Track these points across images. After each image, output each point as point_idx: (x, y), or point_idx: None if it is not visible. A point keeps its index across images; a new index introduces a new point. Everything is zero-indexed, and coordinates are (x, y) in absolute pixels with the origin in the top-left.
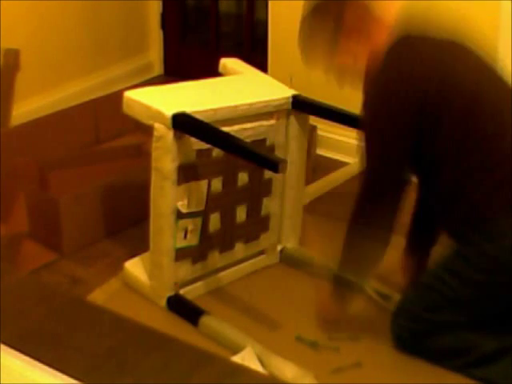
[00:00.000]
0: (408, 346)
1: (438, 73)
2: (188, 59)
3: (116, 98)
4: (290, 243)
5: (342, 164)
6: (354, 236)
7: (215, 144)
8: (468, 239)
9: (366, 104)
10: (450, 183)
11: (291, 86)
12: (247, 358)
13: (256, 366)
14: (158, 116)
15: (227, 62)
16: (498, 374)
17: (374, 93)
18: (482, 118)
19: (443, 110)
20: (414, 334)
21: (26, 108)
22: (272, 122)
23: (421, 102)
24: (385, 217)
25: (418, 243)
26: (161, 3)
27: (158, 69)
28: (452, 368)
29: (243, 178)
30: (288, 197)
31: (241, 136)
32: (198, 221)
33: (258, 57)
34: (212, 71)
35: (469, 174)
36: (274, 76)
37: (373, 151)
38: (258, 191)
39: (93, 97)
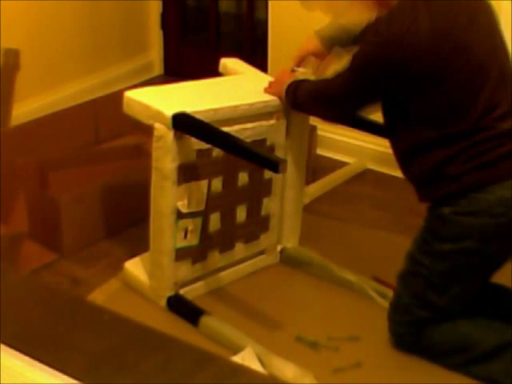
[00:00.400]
0: (407, 343)
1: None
2: (188, 59)
3: (116, 97)
4: (290, 243)
5: (342, 164)
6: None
7: (215, 144)
8: (431, 209)
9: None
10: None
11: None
12: (247, 358)
13: (256, 366)
14: (158, 116)
15: (227, 62)
16: (498, 372)
17: (369, 38)
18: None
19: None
20: (411, 328)
21: (26, 108)
22: (272, 122)
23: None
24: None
25: None
26: (161, 3)
27: (158, 69)
28: (452, 366)
29: (243, 178)
30: (288, 197)
31: (241, 136)
32: (198, 221)
33: (258, 57)
34: (212, 71)
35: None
36: (274, 76)
37: (349, 75)
38: (258, 191)
39: (93, 97)
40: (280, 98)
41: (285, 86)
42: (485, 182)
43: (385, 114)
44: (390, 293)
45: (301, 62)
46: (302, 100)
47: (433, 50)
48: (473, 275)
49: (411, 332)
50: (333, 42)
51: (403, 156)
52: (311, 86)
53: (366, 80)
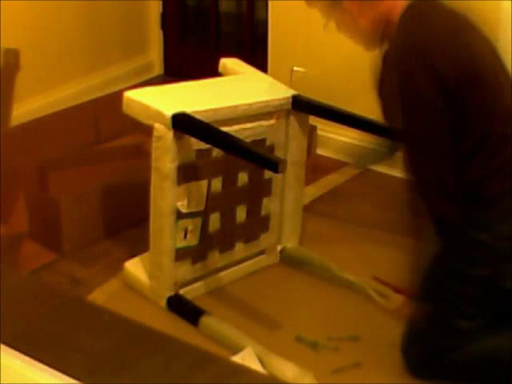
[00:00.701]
0: (427, 373)
1: (452, 47)
2: (188, 59)
3: (116, 97)
4: (290, 243)
5: (341, 164)
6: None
7: (215, 144)
8: (459, 229)
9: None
10: None
11: (291, 78)
12: (247, 358)
13: (256, 366)
14: (158, 116)
15: (227, 62)
16: None
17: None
18: (490, 94)
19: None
20: (432, 357)
21: (26, 108)
22: (272, 122)
23: (442, 80)
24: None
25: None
26: (161, 3)
27: (158, 69)
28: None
29: (243, 178)
30: (288, 197)
31: (240, 136)
32: (198, 221)
33: (258, 57)
34: (212, 71)
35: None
36: (274, 76)
37: (418, 154)
38: (258, 191)
39: (93, 97)
40: None
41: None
42: None
43: None
44: (390, 293)
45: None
46: None
47: (461, 68)
48: (506, 298)
49: (432, 360)
50: None
51: None
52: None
53: (430, 111)
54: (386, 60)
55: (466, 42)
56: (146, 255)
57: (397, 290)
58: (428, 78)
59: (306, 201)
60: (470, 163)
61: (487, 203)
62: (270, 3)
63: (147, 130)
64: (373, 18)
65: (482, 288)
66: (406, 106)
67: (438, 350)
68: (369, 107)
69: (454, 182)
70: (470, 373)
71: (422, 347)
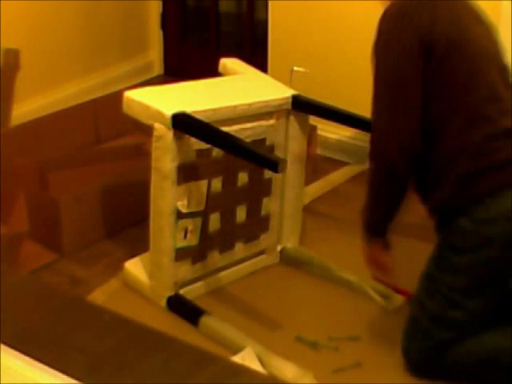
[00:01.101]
0: (429, 370)
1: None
2: (188, 59)
3: (116, 97)
4: (290, 243)
5: (342, 164)
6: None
7: (215, 144)
8: (447, 221)
9: (379, 35)
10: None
11: (291, 78)
12: (247, 359)
13: (256, 366)
14: (158, 116)
15: (227, 62)
16: None
17: (386, 26)
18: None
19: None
20: (432, 353)
21: (26, 108)
22: (272, 121)
23: (422, 34)
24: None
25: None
26: (161, 3)
27: (157, 69)
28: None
29: (243, 177)
30: (288, 197)
31: (240, 136)
32: (198, 221)
33: (258, 57)
34: (212, 71)
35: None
36: (274, 76)
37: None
38: (258, 191)
39: (93, 97)
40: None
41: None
42: (499, 187)
43: None
44: (390, 293)
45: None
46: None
47: (443, 29)
48: (494, 285)
49: (432, 357)
50: None
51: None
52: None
53: (402, 62)
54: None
55: (455, 16)
56: (146, 255)
57: (397, 290)
58: (410, 29)
59: (306, 201)
60: (440, 136)
61: (463, 186)
62: (269, 3)
63: (147, 130)
64: None
65: (468, 275)
66: (383, 50)
67: (436, 343)
68: (369, 107)
69: (410, 135)
70: (470, 373)
71: (421, 342)
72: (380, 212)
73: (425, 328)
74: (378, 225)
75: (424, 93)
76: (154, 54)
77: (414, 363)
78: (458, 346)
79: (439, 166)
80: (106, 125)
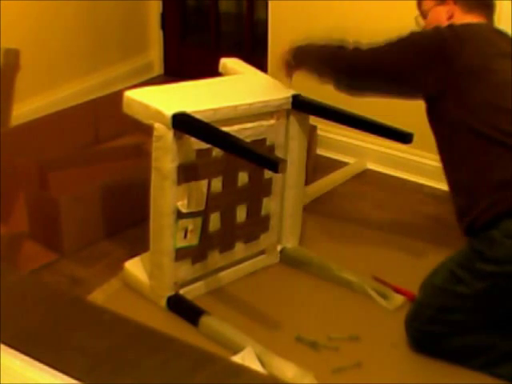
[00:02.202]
0: (426, 347)
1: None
2: (188, 59)
3: (116, 97)
4: (290, 243)
5: (342, 164)
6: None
7: (215, 144)
8: (481, 233)
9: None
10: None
11: (291, 82)
12: (247, 359)
13: (256, 366)
14: (158, 116)
15: (227, 62)
16: None
17: (431, 30)
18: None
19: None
20: (431, 336)
21: (26, 108)
22: (272, 121)
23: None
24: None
25: None
26: (161, 3)
27: (157, 69)
28: (472, 367)
29: (243, 177)
30: (288, 197)
31: (240, 136)
32: (198, 221)
33: (257, 57)
34: (212, 71)
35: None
36: (274, 76)
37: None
38: (258, 191)
39: (93, 97)
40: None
41: (290, 53)
42: None
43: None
44: (390, 293)
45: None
46: (315, 57)
47: (477, 51)
48: (508, 299)
49: (430, 338)
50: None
51: (450, 167)
52: (330, 49)
53: (415, 57)
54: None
55: (484, 47)
56: (145, 255)
57: (397, 290)
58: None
59: (306, 201)
60: (479, 152)
61: (492, 200)
62: (269, 3)
63: (147, 130)
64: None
65: (486, 283)
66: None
67: (434, 333)
68: (369, 107)
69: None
70: (463, 354)
71: (423, 325)
72: (316, 63)
73: (430, 315)
74: (305, 60)
75: (453, 122)
76: (154, 54)
77: (414, 339)
78: (456, 337)
79: (471, 185)
80: (106, 125)
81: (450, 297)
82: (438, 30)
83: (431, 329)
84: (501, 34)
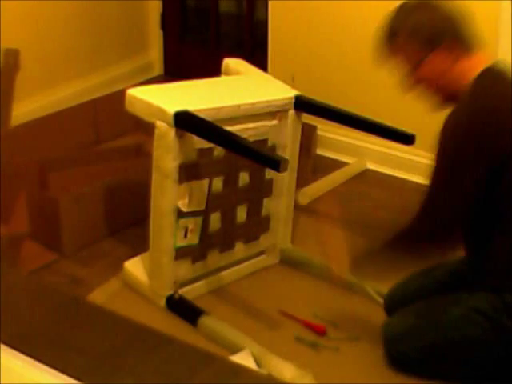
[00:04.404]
0: (408, 370)
1: None
2: (188, 59)
3: (116, 97)
4: (283, 244)
5: (342, 164)
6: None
7: (217, 142)
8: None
9: (446, 130)
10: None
11: (293, 85)
12: (244, 360)
13: (253, 368)
14: (160, 114)
15: (230, 63)
16: None
17: (458, 122)
18: None
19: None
20: (414, 362)
21: (26, 108)
22: (274, 122)
23: (498, 146)
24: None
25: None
26: (161, 3)
27: (158, 69)
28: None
29: (244, 178)
30: (283, 198)
31: (242, 136)
32: (199, 220)
33: (258, 57)
34: (212, 71)
35: None
36: (274, 76)
37: (439, 177)
38: (259, 191)
39: (93, 97)
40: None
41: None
42: None
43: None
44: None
45: None
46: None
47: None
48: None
49: (411, 364)
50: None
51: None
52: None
53: (462, 165)
54: (454, 114)
55: None
56: (145, 255)
57: (306, 325)
58: (477, 144)
59: (306, 201)
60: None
61: None
62: (269, 3)
63: (147, 130)
64: (441, 84)
65: (504, 337)
66: (456, 144)
67: (420, 361)
68: (368, 107)
69: (451, 223)
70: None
71: (409, 350)
72: (375, 265)
73: (425, 346)
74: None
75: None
76: (154, 54)
77: (393, 359)
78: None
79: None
80: (106, 125)
81: (454, 336)
82: (472, 117)
83: (415, 357)
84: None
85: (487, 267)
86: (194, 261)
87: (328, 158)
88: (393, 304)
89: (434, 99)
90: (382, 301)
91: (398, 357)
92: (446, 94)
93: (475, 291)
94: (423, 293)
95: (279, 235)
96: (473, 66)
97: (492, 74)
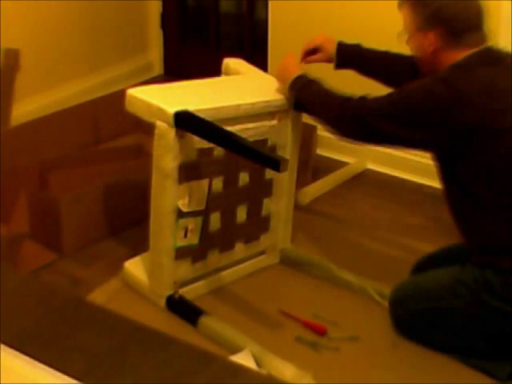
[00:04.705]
0: (407, 333)
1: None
2: (188, 59)
3: (116, 98)
4: (284, 243)
5: (342, 164)
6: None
7: (217, 142)
8: (498, 268)
9: (421, 82)
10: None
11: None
12: (244, 360)
13: (253, 368)
14: (160, 114)
15: (230, 63)
16: (495, 366)
17: (431, 82)
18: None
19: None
20: (412, 325)
21: (26, 108)
22: (274, 122)
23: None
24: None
25: None
26: (161, 3)
27: (157, 69)
28: (451, 356)
29: (244, 178)
30: (283, 198)
31: (242, 136)
32: (199, 220)
33: (258, 57)
34: (212, 71)
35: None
36: (274, 76)
37: (398, 111)
38: (259, 192)
39: (93, 97)
40: (282, 83)
41: (291, 78)
42: None
43: (443, 179)
44: (389, 293)
45: (307, 55)
46: (310, 100)
47: (484, 108)
48: (496, 334)
49: (411, 327)
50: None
51: (467, 220)
52: (330, 92)
53: (417, 114)
54: (428, 76)
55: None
56: (145, 255)
57: (306, 325)
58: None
59: (306, 201)
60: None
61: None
62: (269, 3)
63: (147, 130)
64: (424, 60)
65: (483, 312)
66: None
67: (416, 325)
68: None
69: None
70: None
71: (405, 313)
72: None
73: (414, 310)
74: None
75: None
76: (154, 54)
77: (397, 323)
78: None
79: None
80: (106, 125)
81: (442, 304)
82: (432, 91)
83: (412, 321)
84: (501, 61)
85: (469, 243)
86: (194, 261)
87: (328, 158)
88: (418, 269)
89: (418, 63)
90: (382, 300)
91: (397, 319)
92: (426, 67)
93: (466, 265)
94: (441, 263)
95: (279, 235)
96: (456, 59)
97: (476, 60)
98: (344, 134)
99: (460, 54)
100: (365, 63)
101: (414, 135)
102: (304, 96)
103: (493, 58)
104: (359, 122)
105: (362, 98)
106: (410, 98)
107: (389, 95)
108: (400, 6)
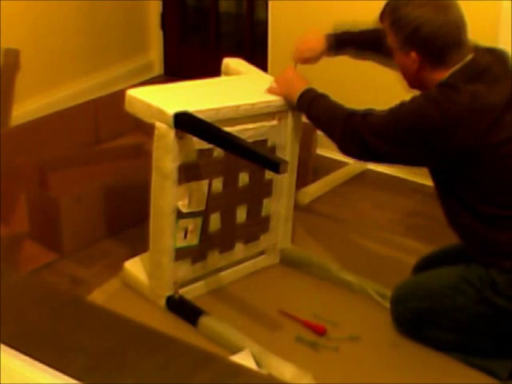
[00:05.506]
0: (408, 331)
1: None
2: (188, 59)
3: (116, 98)
4: (284, 244)
5: (342, 164)
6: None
7: (217, 143)
8: (503, 268)
9: (413, 103)
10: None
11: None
12: (244, 360)
13: (253, 368)
14: (160, 115)
15: (230, 63)
16: (496, 365)
17: (423, 103)
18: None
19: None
20: (412, 324)
21: (26, 108)
22: (274, 122)
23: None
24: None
25: None
26: (161, 3)
27: (157, 69)
28: (451, 355)
29: (244, 178)
30: (283, 198)
31: (242, 136)
32: (199, 221)
33: (258, 57)
34: (212, 71)
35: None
36: (274, 76)
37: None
38: (259, 192)
39: (93, 97)
40: (287, 98)
41: (298, 92)
42: None
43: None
44: (389, 293)
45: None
46: (317, 116)
47: (476, 126)
48: (499, 332)
49: (412, 326)
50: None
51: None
52: (336, 107)
53: (409, 135)
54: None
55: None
56: (145, 255)
57: (306, 325)
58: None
59: (306, 201)
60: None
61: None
62: (269, 3)
63: (147, 130)
64: (410, 78)
65: (487, 311)
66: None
67: (417, 323)
68: (368, 106)
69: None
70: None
71: (406, 311)
72: (317, 117)
73: (415, 307)
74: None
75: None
76: (154, 54)
77: (396, 319)
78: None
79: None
80: (106, 125)
81: (446, 303)
82: (424, 113)
83: (414, 319)
84: (486, 71)
85: (471, 249)
86: (194, 261)
87: (328, 158)
88: (419, 268)
89: (405, 80)
90: (382, 301)
91: (398, 317)
92: (413, 84)
93: (471, 264)
94: (442, 263)
95: (279, 235)
96: (442, 78)
97: (461, 77)
98: (345, 150)
99: (445, 73)
100: (360, 43)
101: (411, 155)
102: (312, 111)
103: (477, 71)
104: (357, 138)
105: (365, 115)
106: (402, 120)
107: (386, 114)
108: (381, 20)
